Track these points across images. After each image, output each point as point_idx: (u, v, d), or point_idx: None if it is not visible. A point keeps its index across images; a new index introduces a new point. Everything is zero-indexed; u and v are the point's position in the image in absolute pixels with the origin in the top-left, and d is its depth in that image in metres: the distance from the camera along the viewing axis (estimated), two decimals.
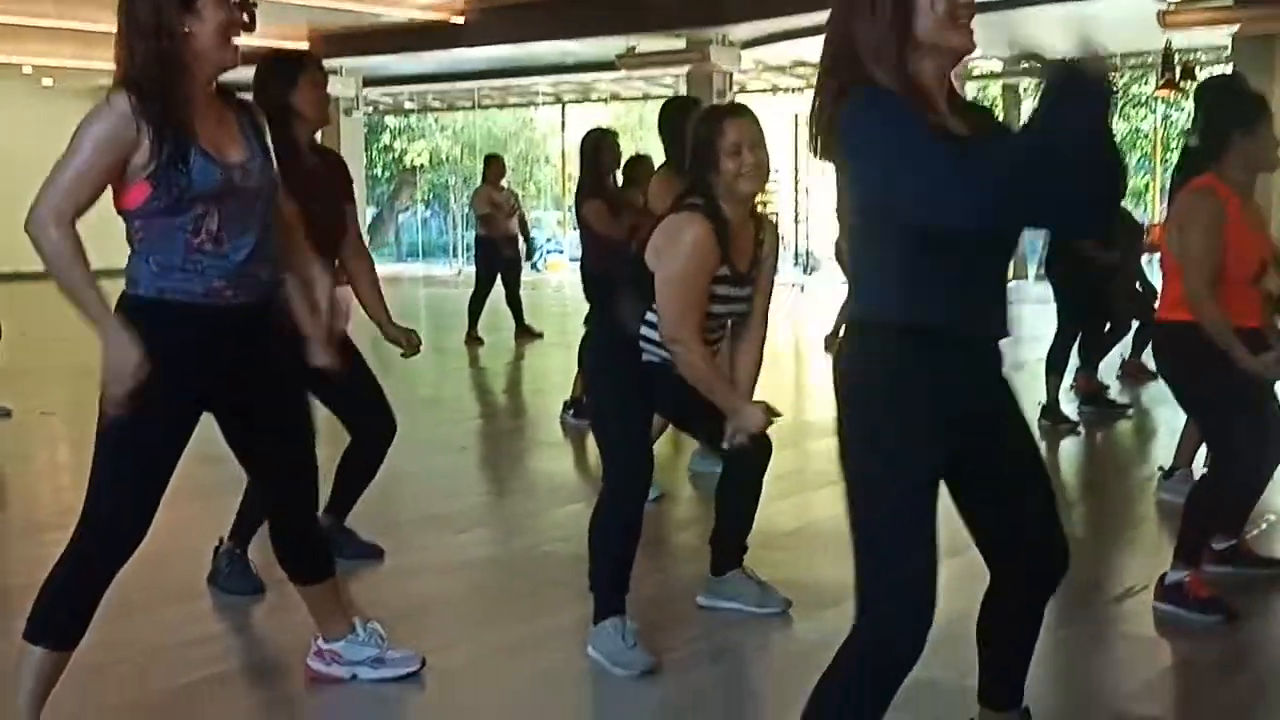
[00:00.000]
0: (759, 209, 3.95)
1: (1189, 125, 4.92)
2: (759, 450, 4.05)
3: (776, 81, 21.75)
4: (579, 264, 7.91)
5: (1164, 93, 15.85)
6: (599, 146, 7.62)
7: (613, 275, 4.30)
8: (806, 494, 6.29)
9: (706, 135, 3.71)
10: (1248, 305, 4.20)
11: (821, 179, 21.71)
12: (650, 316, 3.74)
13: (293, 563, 3.44)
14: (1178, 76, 14.66)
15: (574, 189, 7.90)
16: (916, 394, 2.34)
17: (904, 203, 2.22)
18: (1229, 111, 4.31)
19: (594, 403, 4.08)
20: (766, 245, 3.89)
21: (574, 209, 7.82)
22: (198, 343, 3.00)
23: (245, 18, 3.02)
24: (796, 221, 22.59)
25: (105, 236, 3.29)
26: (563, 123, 25.71)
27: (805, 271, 22.03)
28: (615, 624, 3.74)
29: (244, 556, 4.45)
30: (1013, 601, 2.64)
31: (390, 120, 31.32)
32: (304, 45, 16.65)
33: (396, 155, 33.48)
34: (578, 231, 7.80)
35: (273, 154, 3.12)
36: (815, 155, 2.39)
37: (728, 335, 4.03)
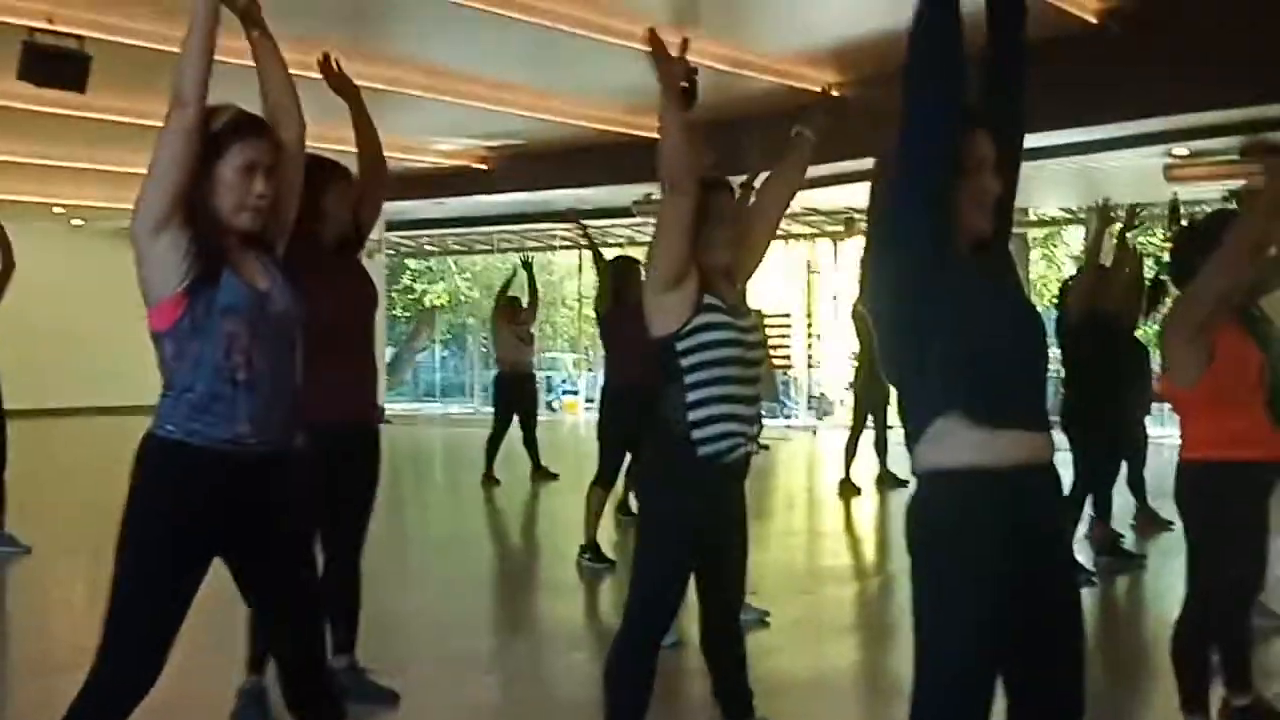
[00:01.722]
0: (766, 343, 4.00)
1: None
2: (732, 592, 4.03)
3: (789, 229, 22.07)
4: (601, 397, 8.02)
5: (1170, 247, 16.04)
6: (627, 270, 7.83)
7: (645, 380, 4.11)
8: (821, 643, 6.28)
9: (704, 199, 3.79)
10: (1258, 428, 4.24)
11: (833, 324, 21.92)
12: (691, 396, 3.66)
13: (303, 711, 3.43)
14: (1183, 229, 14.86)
15: (596, 328, 8.18)
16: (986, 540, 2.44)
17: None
18: (1195, 242, 4.39)
19: (641, 522, 3.97)
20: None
21: (600, 324, 8.10)
22: (218, 488, 3.06)
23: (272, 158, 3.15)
24: (809, 366, 22.73)
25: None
26: (579, 267, 26.06)
27: (818, 416, 22.10)
28: None
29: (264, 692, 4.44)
30: None
31: (411, 262, 31.77)
32: None
33: (416, 296, 33.93)
34: (605, 354, 8.05)
35: (295, 285, 3.21)
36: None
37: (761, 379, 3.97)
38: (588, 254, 24.77)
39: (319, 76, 4.82)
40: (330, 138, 4.71)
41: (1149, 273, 8.38)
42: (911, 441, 2.53)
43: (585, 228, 8.92)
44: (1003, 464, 2.44)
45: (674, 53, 3.70)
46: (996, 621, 2.44)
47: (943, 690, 2.46)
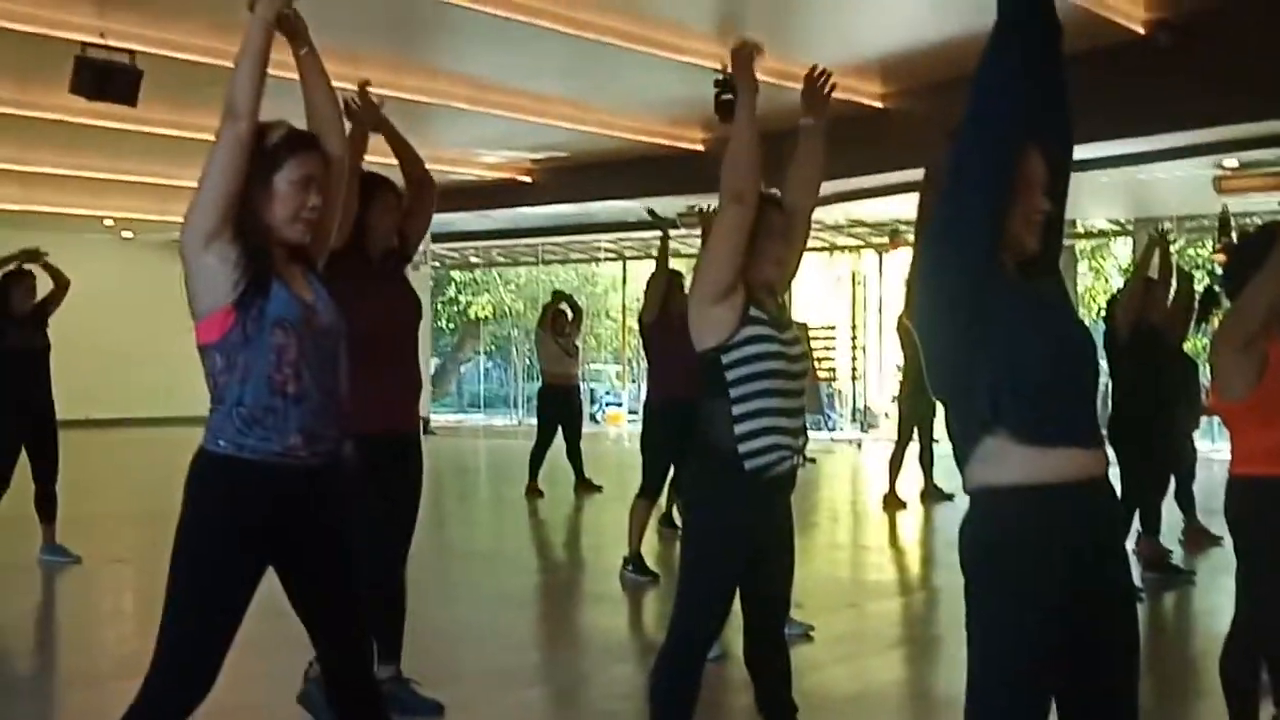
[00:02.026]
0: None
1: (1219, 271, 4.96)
2: (778, 606, 4.03)
3: (834, 240, 22.02)
4: (645, 410, 8.00)
5: (1220, 257, 15.91)
6: (672, 281, 7.84)
7: (689, 392, 4.15)
8: (866, 658, 6.25)
9: None
10: None
11: (878, 336, 21.85)
12: (737, 410, 3.66)
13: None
14: (1234, 240, 14.74)
15: (639, 339, 8.14)
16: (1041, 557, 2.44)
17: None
18: (1246, 254, 4.34)
19: (686, 536, 3.98)
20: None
21: (643, 335, 8.06)
22: (271, 500, 3.08)
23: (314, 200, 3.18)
24: (854, 379, 22.66)
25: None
26: (624, 278, 26.09)
27: (863, 429, 22.01)
28: None
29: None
30: None
31: (456, 274, 31.92)
32: None
33: (461, 308, 34.08)
34: (648, 365, 8.01)
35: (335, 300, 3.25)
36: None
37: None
38: (635, 265, 24.94)
39: (372, 90, 4.86)
40: (376, 150, 4.76)
41: (1199, 285, 8.28)
42: (961, 459, 2.51)
43: (667, 230, 8.76)
44: (1055, 481, 2.42)
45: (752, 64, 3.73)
46: (1050, 639, 2.42)
47: (996, 710, 2.44)
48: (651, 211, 10.17)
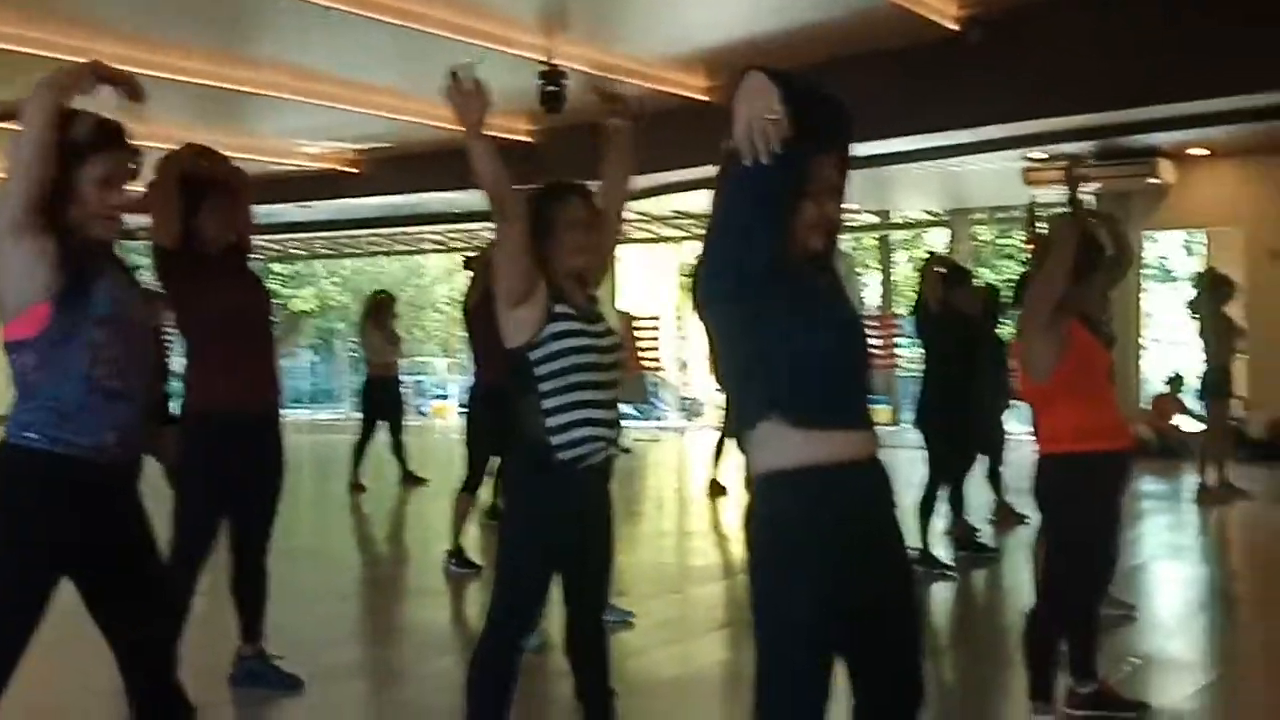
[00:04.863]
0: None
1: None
2: (596, 594, 4.06)
3: (658, 231, 22.20)
4: (469, 399, 7.94)
5: (1029, 247, 16.48)
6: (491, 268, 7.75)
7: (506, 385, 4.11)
8: (691, 641, 6.34)
9: (546, 206, 3.79)
10: (1111, 420, 4.41)
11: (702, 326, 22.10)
12: (549, 404, 3.68)
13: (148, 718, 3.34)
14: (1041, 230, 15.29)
15: (465, 319, 7.91)
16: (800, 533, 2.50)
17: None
18: (1045, 245, 4.58)
19: (504, 527, 4.01)
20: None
21: (467, 321, 7.77)
22: (81, 496, 3.01)
23: (132, 166, 3.12)
24: (679, 368, 22.89)
25: None
26: (451, 270, 25.92)
27: (688, 417, 22.26)
28: None
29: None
30: None
31: (277, 267, 31.28)
32: None
33: (283, 301, 33.40)
34: (471, 352, 7.84)
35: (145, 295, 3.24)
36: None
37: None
38: (461, 257, 24.78)
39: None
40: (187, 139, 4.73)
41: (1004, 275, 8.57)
42: (742, 444, 2.59)
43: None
44: (830, 462, 2.51)
45: (472, 88, 3.56)
46: (830, 613, 2.50)
47: (783, 684, 2.51)
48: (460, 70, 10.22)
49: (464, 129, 3.57)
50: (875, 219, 22.78)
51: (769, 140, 2.38)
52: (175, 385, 5.60)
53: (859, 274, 27.97)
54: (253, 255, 5.20)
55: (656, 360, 22.05)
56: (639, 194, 18.94)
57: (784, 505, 2.52)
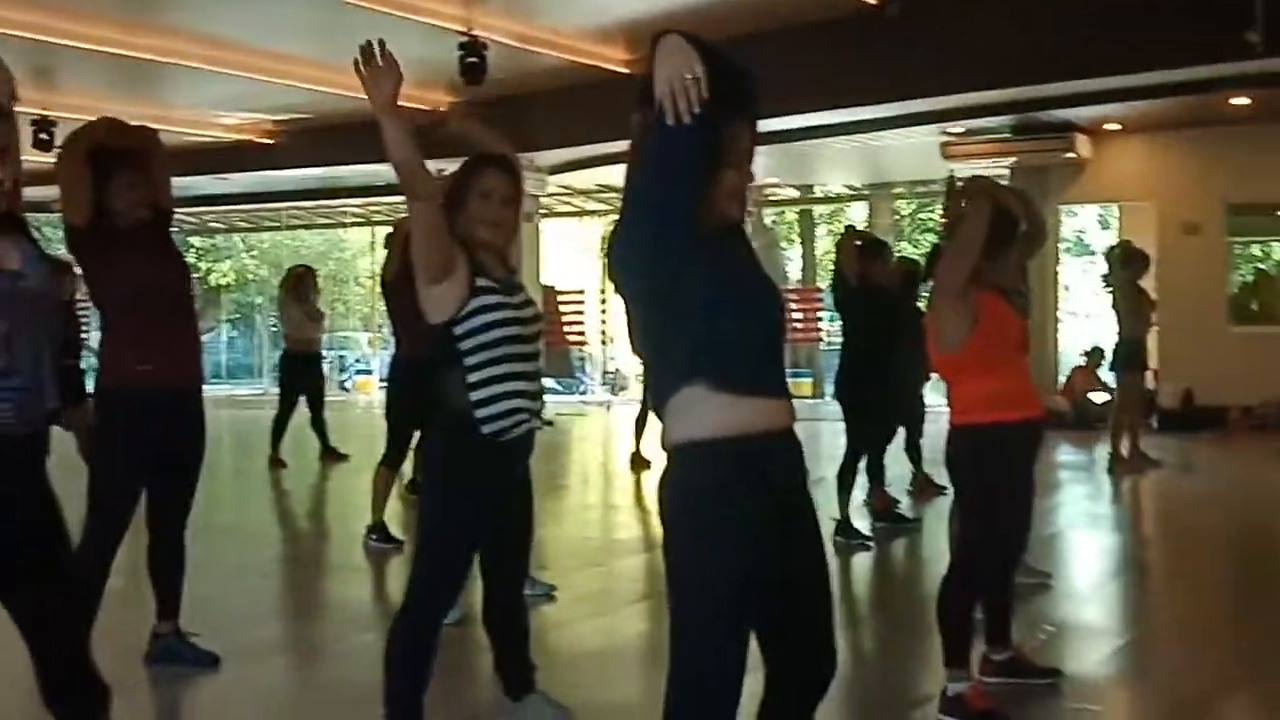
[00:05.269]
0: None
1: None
2: (515, 567, 4.09)
3: (582, 205, 22.17)
4: (390, 373, 7.88)
5: (946, 220, 16.66)
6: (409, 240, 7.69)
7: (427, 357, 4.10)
8: (613, 613, 6.36)
9: (463, 177, 3.78)
10: (1021, 390, 4.48)
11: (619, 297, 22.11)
12: (473, 377, 3.68)
13: (66, 701, 3.28)
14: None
15: (384, 293, 7.87)
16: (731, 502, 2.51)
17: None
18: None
19: (423, 501, 3.98)
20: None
21: (387, 294, 7.74)
22: None
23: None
24: (603, 343, 22.89)
25: None
26: (372, 244, 25.67)
27: (613, 392, 22.28)
28: None
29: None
30: (783, 707, 2.74)
31: (195, 240, 30.83)
32: None
33: (201, 275, 32.92)
34: (391, 325, 7.85)
35: (53, 267, 3.15)
36: None
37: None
38: (384, 230, 24.59)
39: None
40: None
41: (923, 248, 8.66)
42: (660, 414, 2.59)
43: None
44: (746, 432, 2.52)
45: (386, 64, 3.44)
46: (743, 582, 2.51)
47: (698, 652, 2.52)
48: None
49: (374, 106, 3.44)
50: (797, 193, 22.89)
51: (690, 101, 2.38)
52: (92, 360, 5.50)
53: (783, 248, 28.10)
54: (172, 226, 5.10)
55: (581, 334, 22.07)
56: (561, 167, 18.95)
57: (701, 475, 2.53)
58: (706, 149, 2.48)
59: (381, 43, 3.44)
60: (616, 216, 2.63)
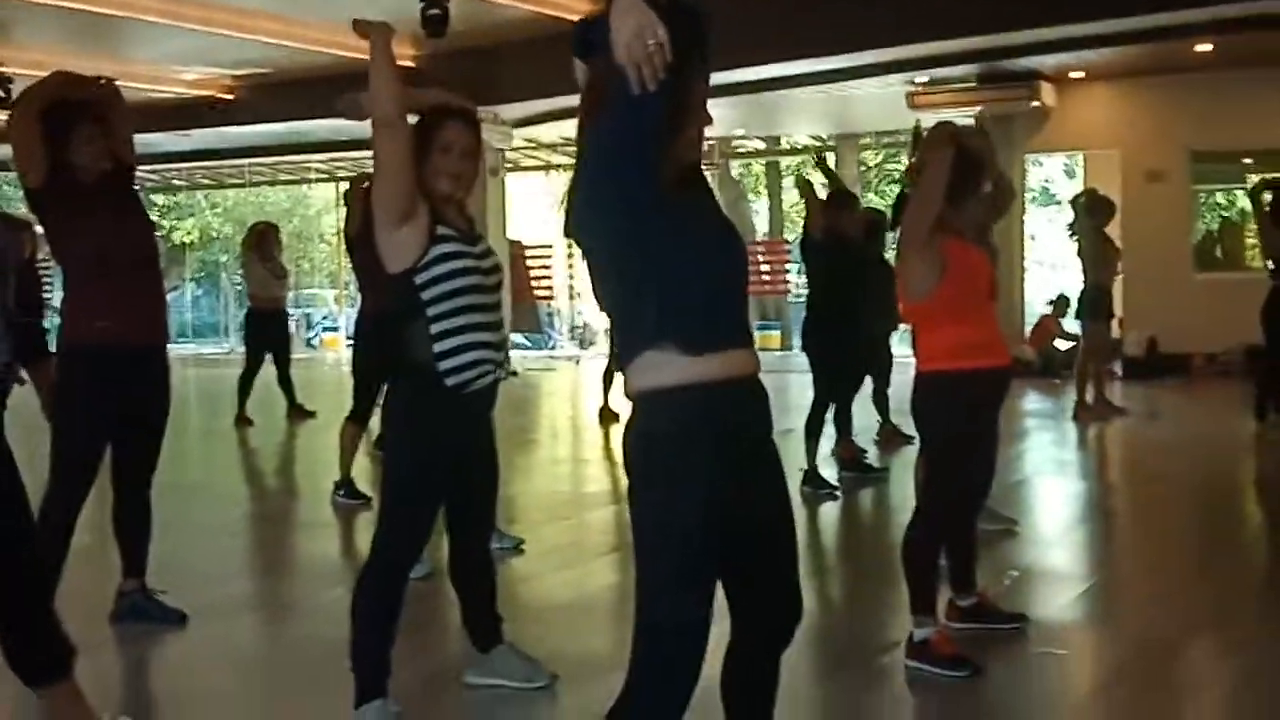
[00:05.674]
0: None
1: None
2: (482, 520, 4.11)
3: (549, 159, 22.04)
4: (355, 329, 7.84)
5: (913, 170, 16.66)
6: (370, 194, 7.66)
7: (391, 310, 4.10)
8: (582, 566, 6.37)
9: (423, 131, 3.75)
10: (988, 337, 4.49)
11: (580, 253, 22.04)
12: (436, 328, 3.66)
13: (22, 662, 3.26)
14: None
15: (347, 248, 7.86)
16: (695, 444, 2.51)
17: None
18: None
19: (388, 455, 3.97)
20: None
21: (350, 249, 7.72)
22: None
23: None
24: (571, 297, 22.84)
25: None
26: (337, 200, 25.49)
27: (581, 346, 22.26)
28: (378, 708, 3.68)
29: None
30: (750, 656, 2.75)
31: (158, 198, 30.54)
32: None
33: (165, 233, 32.64)
34: (356, 280, 7.82)
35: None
36: None
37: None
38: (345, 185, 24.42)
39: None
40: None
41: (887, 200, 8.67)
42: (624, 368, 2.57)
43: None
44: (710, 380, 2.50)
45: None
46: (708, 526, 2.50)
47: (664, 596, 2.52)
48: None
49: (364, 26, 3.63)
50: (763, 145, 22.82)
51: (655, 68, 2.34)
52: (56, 319, 5.44)
53: (750, 200, 28.05)
54: (135, 179, 5.04)
55: (549, 289, 22.01)
56: (526, 121, 18.80)
57: (664, 422, 2.51)
58: (671, 110, 2.45)
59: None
60: (572, 174, 2.59)
